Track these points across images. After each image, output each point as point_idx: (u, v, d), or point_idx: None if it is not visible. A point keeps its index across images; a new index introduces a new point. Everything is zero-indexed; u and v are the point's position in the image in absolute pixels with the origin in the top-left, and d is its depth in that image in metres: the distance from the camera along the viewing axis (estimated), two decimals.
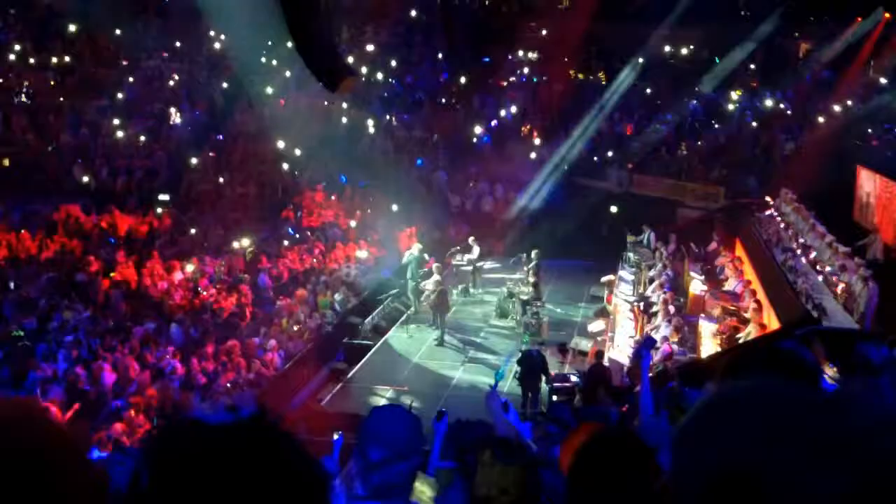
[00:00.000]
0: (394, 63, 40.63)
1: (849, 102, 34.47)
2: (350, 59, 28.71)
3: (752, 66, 38.49)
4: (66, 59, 38.40)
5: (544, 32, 39.85)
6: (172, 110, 36.67)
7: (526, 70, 40.85)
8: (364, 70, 36.59)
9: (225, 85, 37.68)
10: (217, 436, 1.46)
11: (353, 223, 30.95)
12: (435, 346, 23.44)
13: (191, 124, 36.26)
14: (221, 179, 32.86)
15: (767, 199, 28.48)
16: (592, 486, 3.38)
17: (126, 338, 19.62)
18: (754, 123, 36.01)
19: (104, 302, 22.13)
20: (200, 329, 20.94)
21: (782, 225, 24.88)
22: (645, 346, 7.19)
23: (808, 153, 32.24)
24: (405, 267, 26.79)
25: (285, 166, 33.99)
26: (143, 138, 34.66)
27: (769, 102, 37.03)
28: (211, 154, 34.39)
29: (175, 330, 20.55)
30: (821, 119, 34.49)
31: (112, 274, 23.87)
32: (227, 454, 1.42)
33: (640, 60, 37.05)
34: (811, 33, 37.43)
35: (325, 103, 35.03)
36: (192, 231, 28.72)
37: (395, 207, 31.36)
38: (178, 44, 40.00)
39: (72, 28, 38.73)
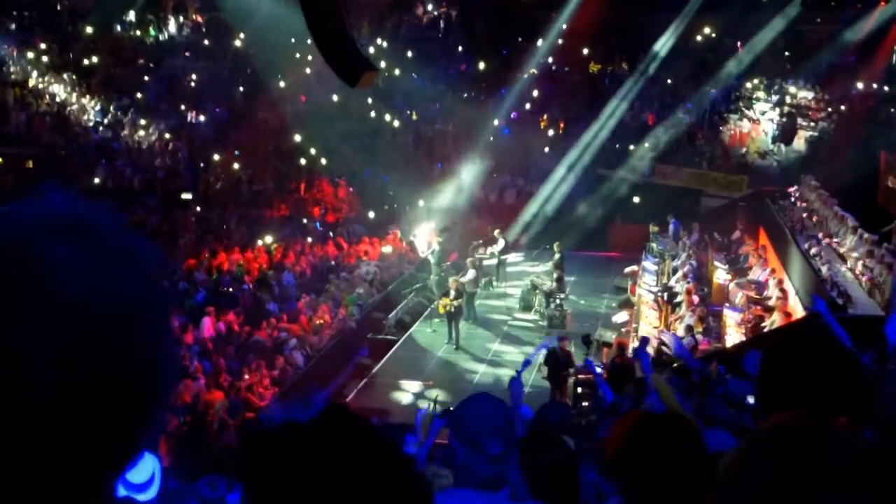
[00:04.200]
0: (412, 55, 40.48)
1: (874, 86, 34.13)
2: (370, 52, 28.66)
3: (774, 53, 38.16)
4: (87, 59, 38.51)
5: (564, 23, 39.56)
6: (193, 109, 36.70)
7: (548, 60, 40.57)
8: (383, 64, 36.51)
9: (246, 83, 37.66)
10: (310, 434, 1.50)
11: (375, 218, 30.98)
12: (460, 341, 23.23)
13: (212, 122, 36.29)
14: (243, 176, 32.87)
15: (791, 187, 28.29)
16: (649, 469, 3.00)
17: None
18: (776, 110, 35.74)
19: None
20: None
21: (806, 213, 24.71)
22: (641, 346, 7.19)
23: (832, 140, 32.02)
24: (428, 261, 26.79)
25: (306, 162, 34.00)
26: (165, 136, 34.69)
27: (792, 89, 36.73)
28: (232, 151, 34.38)
29: (206, 323, 20.55)
30: (843, 106, 34.21)
31: None
32: (323, 449, 1.46)
33: (661, 49, 36.78)
34: (834, 19, 37.03)
35: (346, 98, 34.91)
36: (215, 228, 28.83)
37: (416, 202, 31.38)
38: (199, 42, 40.07)
39: (93, 28, 38.83)
